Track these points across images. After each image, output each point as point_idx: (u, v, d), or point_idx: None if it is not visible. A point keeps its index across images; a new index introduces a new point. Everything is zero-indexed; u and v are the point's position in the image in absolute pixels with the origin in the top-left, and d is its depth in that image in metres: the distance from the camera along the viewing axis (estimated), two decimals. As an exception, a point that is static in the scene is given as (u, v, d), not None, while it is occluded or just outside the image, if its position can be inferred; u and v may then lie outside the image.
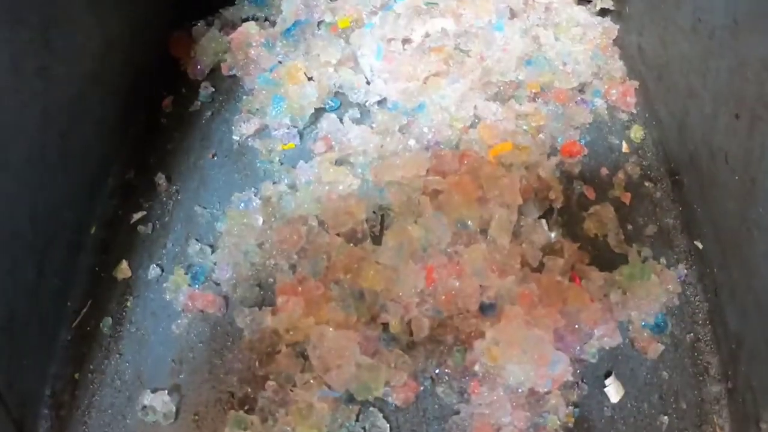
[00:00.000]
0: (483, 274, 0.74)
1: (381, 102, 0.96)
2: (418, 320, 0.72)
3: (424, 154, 0.86)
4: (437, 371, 0.72)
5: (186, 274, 0.80)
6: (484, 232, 0.80)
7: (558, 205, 0.86)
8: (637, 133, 0.97)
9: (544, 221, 0.84)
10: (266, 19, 1.07)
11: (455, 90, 0.92)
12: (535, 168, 0.86)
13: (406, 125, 0.91)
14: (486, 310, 0.74)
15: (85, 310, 0.79)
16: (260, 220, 0.81)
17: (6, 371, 0.67)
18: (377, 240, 0.81)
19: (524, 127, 0.93)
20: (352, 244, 0.79)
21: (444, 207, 0.80)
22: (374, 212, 0.83)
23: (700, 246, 0.83)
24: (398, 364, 0.70)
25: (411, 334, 0.73)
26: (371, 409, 0.70)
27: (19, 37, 0.69)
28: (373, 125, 0.90)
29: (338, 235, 0.79)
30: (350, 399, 0.70)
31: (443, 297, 0.73)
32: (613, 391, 0.73)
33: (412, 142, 0.88)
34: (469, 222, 0.79)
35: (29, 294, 0.72)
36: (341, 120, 0.92)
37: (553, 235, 0.83)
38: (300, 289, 0.74)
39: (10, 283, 0.68)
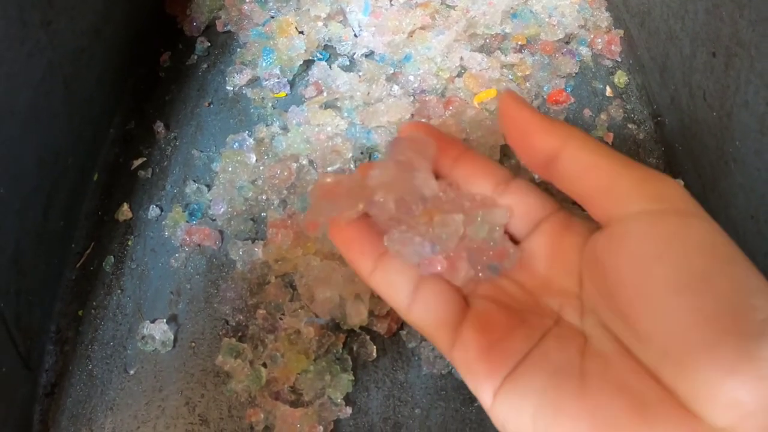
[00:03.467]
0: None
1: (368, 54, 0.96)
2: None
3: (409, 100, 0.86)
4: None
5: (184, 211, 0.82)
6: None
7: None
8: (620, 78, 0.97)
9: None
10: (260, -22, 1.09)
11: (441, 42, 0.92)
12: None
13: (392, 75, 0.92)
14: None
15: (88, 251, 0.81)
16: (253, 158, 0.83)
17: (14, 307, 0.68)
18: None
19: (510, 77, 0.93)
20: None
21: None
22: (361, 152, 0.84)
23: (681, 183, 0.82)
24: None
25: None
26: (358, 330, 0.72)
27: None
28: (360, 74, 0.90)
29: (326, 173, 0.80)
30: (336, 327, 0.71)
31: None
32: None
33: (397, 90, 0.88)
34: None
35: (36, 235, 0.73)
36: (330, 67, 0.93)
37: (536, 176, 0.84)
38: (289, 222, 0.75)
39: (17, 222, 0.69)
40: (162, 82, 0.97)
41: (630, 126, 0.92)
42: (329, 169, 0.80)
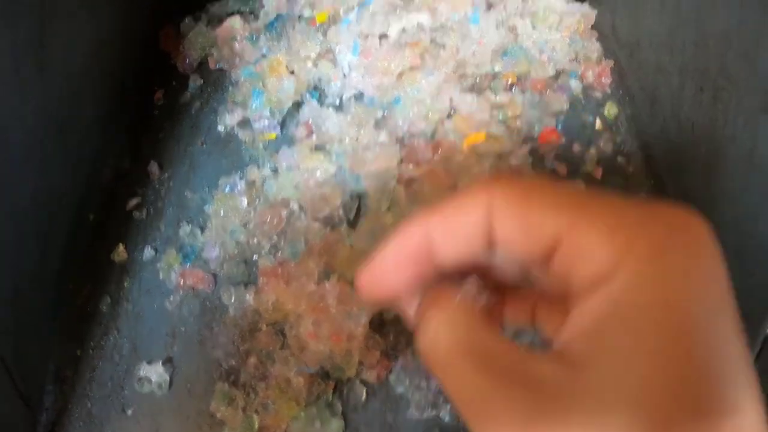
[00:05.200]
0: None
1: (358, 96, 0.97)
2: None
3: (398, 147, 0.88)
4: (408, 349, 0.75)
5: (178, 254, 0.83)
6: None
7: None
8: (610, 110, 0.98)
9: None
10: (251, 12, 1.09)
11: (430, 83, 0.94)
12: (508, 157, 0.88)
13: (381, 118, 0.93)
14: None
15: (85, 291, 0.83)
16: (245, 202, 0.85)
17: (13, 347, 0.69)
18: (353, 224, 0.84)
19: (500, 117, 0.94)
20: (328, 228, 0.82)
21: (417, 196, 0.82)
22: (351, 197, 0.86)
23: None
24: (369, 344, 0.73)
25: (381, 314, 0.75)
26: (351, 376, 0.74)
27: (18, 35, 0.70)
28: (349, 117, 0.91)
29: (315, 219, 0.83)
30: (326, 375, 0.73)
31: None
32: None
33: (384, 137, 0.89)
34: None
35: (33, 275, 0.74)
36: (321, 106, 0.95)
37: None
38: (280, 271, 0.77)
39: (15, 265, 0.70)
40: (156, 120, 0.99)
41: (619, 159, 0.93)
42: (319, 215, 0.82)
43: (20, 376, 0.71)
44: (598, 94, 1.01)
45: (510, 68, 1.00)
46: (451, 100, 0.95)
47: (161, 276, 0.83)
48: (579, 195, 0.34)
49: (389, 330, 0.76)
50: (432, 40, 1.01)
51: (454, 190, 0.83)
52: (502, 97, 0.96)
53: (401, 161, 0.86)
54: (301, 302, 0.74)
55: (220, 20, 1.06)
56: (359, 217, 0.84)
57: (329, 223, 0.84)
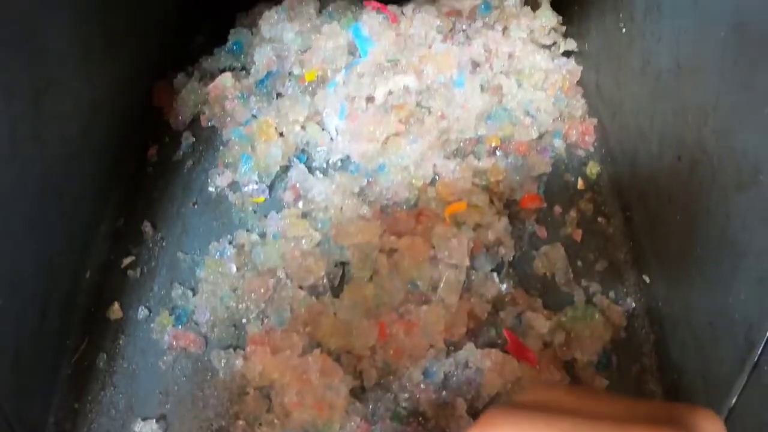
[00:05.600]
0: (430, 333, 0.82)
1: (344, 160, 1.02)
2: (368, 371, 0.80)
3: (380, 221, 0.91)
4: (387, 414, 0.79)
5: (170, 315, 0.89)
6: (434, 290, 0.86)
7: (509, 258, 0.92)
8: (593, 169, 1.02)
9: (495, 274, 0.90)
10: (242, 68, 1.14)
11: (414, 150, 0.98)
12: (487, 227, 0.92)
13: (366, 186, 0.97)
14: (428, 375, 0.81)
15: (82, 347, 0.87)
16: (234, 269, 0.90)
17: (14, 403, 0.74)
18: (337, 291, 0.89)
19: (483, 183, 0.98)
20: (313, 297, 0.87)
21: (398, 266, 0.87)
22: (335, 265, 0.91)
23: (647, 280, 0.89)
24: (350, 410, 0.78)
25: (362, 382, 0.80)
26: None
27: (14, 109, 0.74)
28: (334, 186, 0.95)
29: (300, 288, 0.87)
30: None
31: (392, 351, 0.80)
32: None
33: (366, 210, 0.93)
34: (419, 282, 0.86)
35: (33, 334, 0.79)
36: (309, 170, 1.00)
37: (504, 287, 0.89)
38: (267, 339, 0.82)
39: (17, 326, 0.75)
40: (150, 178, 1.04)
41: (600, 220, 0.98)
42: (304, 284, 0.87)
43: (21, 430, 0.75)
44: (581, 152, 1.05)
45: (494, 131, 1.04)
46: (434, 166, 0.99)
47: (154, 336, 0.88)
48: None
49: (369, 397, 0.81)
50: (418, 104, 1.05)
51: (434, 260, 0.88)
52: (485, 162, 1.00)
53: (383, 232, 0.91)
54: (286, 373, 0.79)
55: (212, 76, 1.11)
56: (343, 284, 0.90)
57: (314, 291, 0.89)
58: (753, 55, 0.62)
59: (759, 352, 0.62)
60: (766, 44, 0.60)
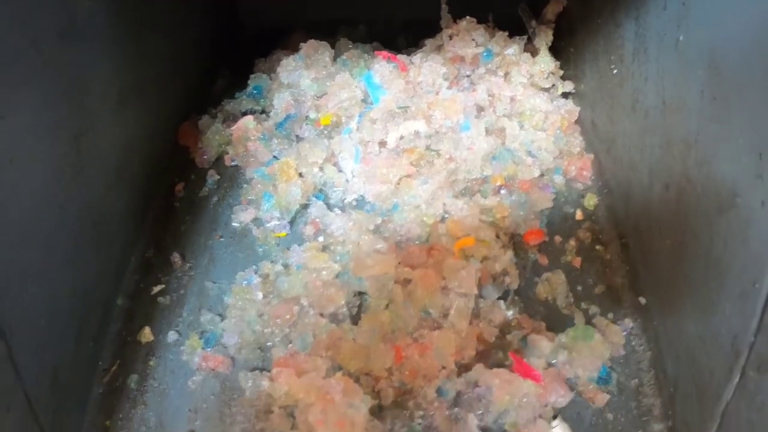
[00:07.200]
0: (443, 355, 0.88)
1: (359, 200, 1.10)
2: (385, 390, 0.87)
3: (395, 254, 0.98)
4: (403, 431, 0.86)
5: (200, 338, 0.95)
6: (446, 317, 0.93)
7: (514, 287, 0.99)
8: (590, 201, 1.10)
9: (502, 302, 0.97)
10: (263, 111, 1.23)
11: (425, 190, 1.05)
12: (494, 260, 0.99)
13: (381, 223, 1.05)
14: (441, 394, 0.87)
15: (114, 368, 0.94)
16: (260, 296, 0.97)
17: (51, 421, 0.80)
18: (356, 319, 0.96)
19: (489, 219, 1.05)
20: (333, 324, 0.93)
21: (412, 295, 0.94)
22: (354, 296, 0.98)
23: (643, 301, 0.96)
24: (369, 426, 0.84)
25: (380, 401, 0.87)
26: None
27: (58, 149, 0.83)
28: (351, 223, 1.03)
29: (322, 315, 0.94)
30: None
31: (407, 372, 0.87)
32: (560, 430, 0.85)
33: (382, 245, 1.00)
34: (432, 310, 0.93)
35: (69, 357, 0.86)
36: (327, 207, 1.08)
37: (510, 313, 0.96)
38: (292, 361, 0.89)
39: (55, 350, 0.82)
40: (177, 213, 1.12)
41: (598, 248, 1.06)
42: (325, 312, 0.95)
43: None
44: (579, 186, 1.14)
45: (499, 171, 1.12)
46: (444, 204, 1.07)
47: (184, 358, 0.95)
48: None
49: (387, 414, 0.87)
50: (427, 147, 1.14)
51: (445, 290, 0.96)
52: (491, 200, 1.08)
53: (398, 264, 0.98)
54: (311, 393, 0.85)
55: (234, 118, 1.20)
56: (361, 313, 0.97)
57: (335, 319, 0.96)
58: (727, 92, 0.70)
59: (744, 361, 0.67)
60: (737, 82, 0.68)
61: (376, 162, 1.09)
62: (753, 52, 0.65)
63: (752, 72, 0.65)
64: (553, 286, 0.99)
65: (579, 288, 1.01)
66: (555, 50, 1.28)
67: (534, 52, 1.26)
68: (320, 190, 1.13)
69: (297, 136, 1.18)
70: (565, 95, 1.25)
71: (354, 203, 1.10)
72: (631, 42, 1.00)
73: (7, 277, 0.71)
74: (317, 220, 1.06)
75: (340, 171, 1.12)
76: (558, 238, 1.07)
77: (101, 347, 0.96)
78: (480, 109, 1.19)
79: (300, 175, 1.11)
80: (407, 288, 0.96)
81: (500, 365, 0.91)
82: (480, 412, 0.87)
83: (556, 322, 0.96)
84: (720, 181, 0.72)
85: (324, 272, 0.97)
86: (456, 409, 0.87)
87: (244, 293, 0.97)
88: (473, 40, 1.24)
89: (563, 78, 1.26)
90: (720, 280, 0.72)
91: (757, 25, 0.64)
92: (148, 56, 1.09)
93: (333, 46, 1.28)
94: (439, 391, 0.88)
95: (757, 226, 0.64)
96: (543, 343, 0.92)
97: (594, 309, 0.98)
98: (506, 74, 1.23)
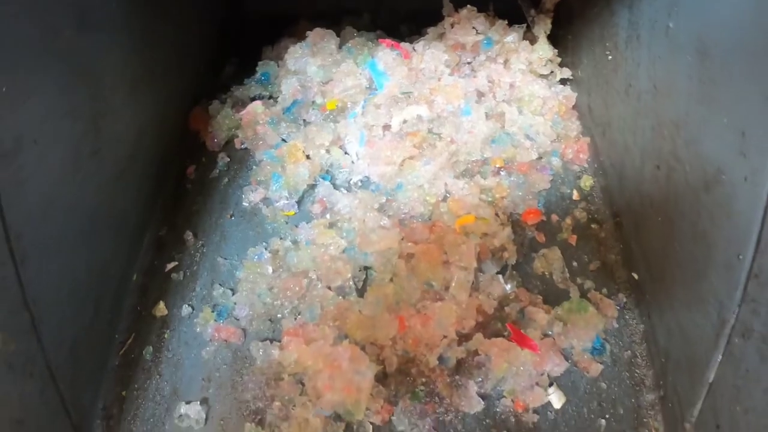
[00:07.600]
0: (444, 325, 0.93)
1: (364, 180, 1.14)
2: (390, 358, 0.91)
3: (399, 230, 1.03)
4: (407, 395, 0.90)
5: (212, 311, 0.99)
6: (447, 289, 0.97)
7: (512, 262, 1.03)
8: (586, 182, 1.15)
9: (500, 276, 1.01)
10: (270, 97, 1.27)
11: (428, 171, 1.10)
12: (493, 236, 1.04)
13: (385, 203, 1.09)
14: (442, 361, 0.92)
15: (130, 341, 0.98)
16: (270, 270, 1.02)
17: (70, 390, 0.84)
18: (361, 292, 1.00)
19: (489, 199, 1.10)
20: (340, 297, 0.98)
21: (415, 269, 0.99)
22: (360, 270, 1.02)
23: (636, 277, 1.00)
24: (374, 393, 0.89)
25: (384, 368, 0.92)
26: (360, 419, 0.88)
27: (77, 128, 0.87)
28: (357, 201, 1.07)
29: (329, 288, 0.99)
30: (339, 417, 0.89)
31: (410, 341, 0.92)
32: (556, 398, 0.89)
33: (387, 221, 1.04)
34: (434, 282, 0.98)
35: (87, 329, 0.90)
36: (333, 187, 1.12)
37: (508, 287, 1.00)
38: (301, 331, 0.94)
39: (74, 323, 0.86)
40: (189, 194, 1.16)
41: (593, 226, 1.10)
42: (332, 285, 0.99)
43: (74, 413, 0.86)
44: (576, 168, 1.18)
45: (498, 154, 1.17)
46: (445, 185, 1.11)
47: (198, 329, 0.99)
48: None
49: (391, 380, 0.92)
50: (429, 130, 1.18)
51: (446, 264, 1.00)
52: (490, 181, 1.13)
53: (402, 240, 1.03)
54: (319, 361, 0.90)
55: (243, 103, 1.24)
56: (366, 285, 1.01)
57: (341, 291, 1.00)
58: (713, 75, 0.74)
59: (730, 330, 0.71)
60: (722, 66, 0.72)
61: (381, 145, 1.13)
62: (737, 37, 0.69)
63: (736, 56, 0.69)
64: (550, 261, 1.03)
65: (574, 264, 1.05)
66: (553, 38, 1.32)
67: (533, 40, 1.30)
68: (327, 171, 1.17)
69: (304, 120, 1.22)
70: (562, 81, 1.29)
71: (359, 183, 1.15)
72: (624, 29, 1.04)
73: (30, 250, 0.74)
74: (324, 199, 1.10)
75: (346, 153, 1.16)
76: (555, 217, 1.11)
77: (117, 321, 1.00)
78: (480, 94, 1.23)
79: (307, 157, 1.15)
80: (410, 262, 1.01)
81: (498, 335, 0.95)
82: (480, 379, 0.92)
83: (552, 296, 1.01)
84: (706, 159, 0.76)
85: (331, 247, 1.02)
86: (456, 376, 0.92)
87: (255, 268, 1.02)
88: (474, 28, 1.28)
89: (561, 65, 1.30)
90: (707, 253, 0.76)
91: (741, 13, 0.68)
92: (158, 44, 1.14)
93: (338, 35, 1.32)
94: (441, 359, 0.93)
95: (740, 201, 0.68)
96: (539, 315, 0.96)
97: (589, 284, 1.02)
98: (506, 61, 1.27)
